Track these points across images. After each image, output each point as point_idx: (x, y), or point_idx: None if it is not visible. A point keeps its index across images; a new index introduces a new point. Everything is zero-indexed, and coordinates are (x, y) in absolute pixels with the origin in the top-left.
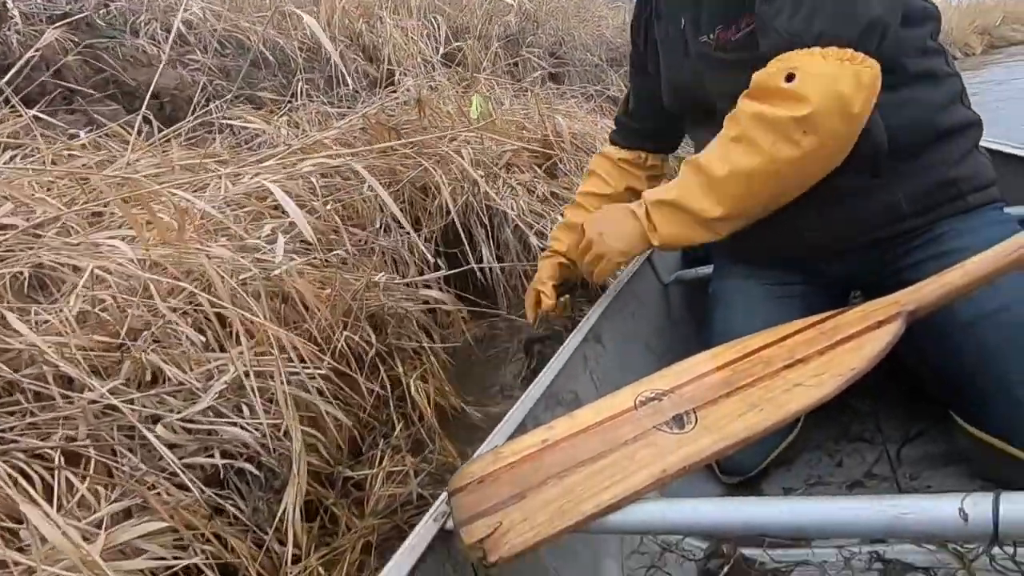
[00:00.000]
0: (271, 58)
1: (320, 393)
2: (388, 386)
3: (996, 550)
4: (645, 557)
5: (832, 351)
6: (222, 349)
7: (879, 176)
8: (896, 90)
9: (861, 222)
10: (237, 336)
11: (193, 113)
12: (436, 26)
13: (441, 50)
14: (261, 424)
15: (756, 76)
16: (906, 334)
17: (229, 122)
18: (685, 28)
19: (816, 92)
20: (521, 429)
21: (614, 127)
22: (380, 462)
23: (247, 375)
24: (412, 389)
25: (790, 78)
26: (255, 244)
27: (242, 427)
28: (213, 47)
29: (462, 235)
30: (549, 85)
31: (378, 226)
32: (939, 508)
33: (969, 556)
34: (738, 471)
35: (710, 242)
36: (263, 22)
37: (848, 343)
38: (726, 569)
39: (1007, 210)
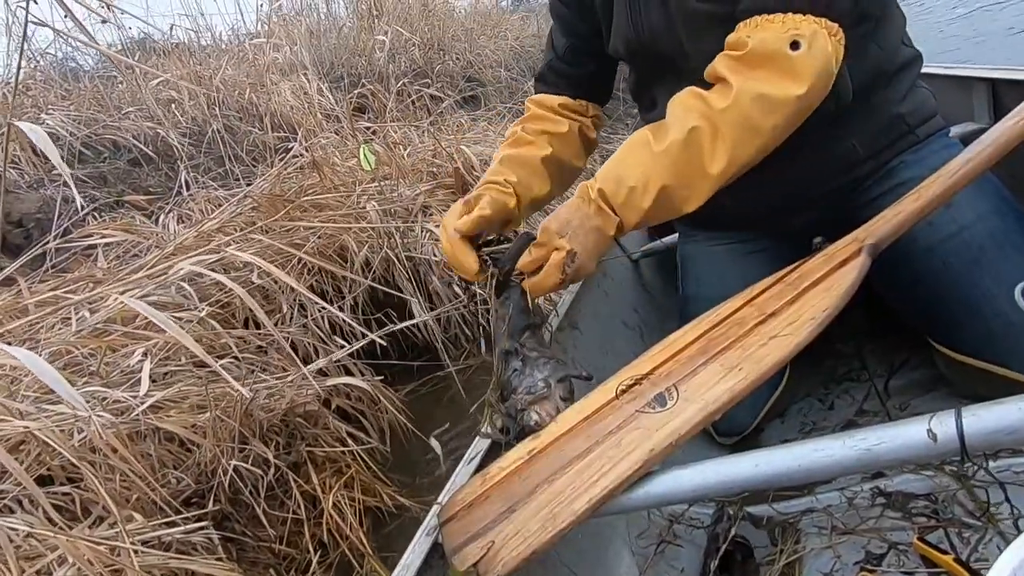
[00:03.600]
0: (151, 152)
1: (209, 548)
2: (302, 505)
3: (992, 464)
4: (655, 533)
5: (801, 298)
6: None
7: (835, 125)
8: (863, 39)
9: (819, 174)
10: (85, 510)
11: (60, 234)
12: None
13: (344, 100)
14: None
15: (759, 37)
16: (877, 269)
17: (88, 241)
18: None
19: (815, 71)
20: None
21: (540, 82)
22: None
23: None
24: (329, 504)
25: (795, 45)
26: (119, 379)
27: None
28: (81, 155)
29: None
30: (461, 112)
31: (286, 311)
32: (909, 434)
33: (967, 475)
34: (733, 431)
35: None
36: (132, 116)
37: (816, 287)
38: (733, 530)
39: (951, 133)
